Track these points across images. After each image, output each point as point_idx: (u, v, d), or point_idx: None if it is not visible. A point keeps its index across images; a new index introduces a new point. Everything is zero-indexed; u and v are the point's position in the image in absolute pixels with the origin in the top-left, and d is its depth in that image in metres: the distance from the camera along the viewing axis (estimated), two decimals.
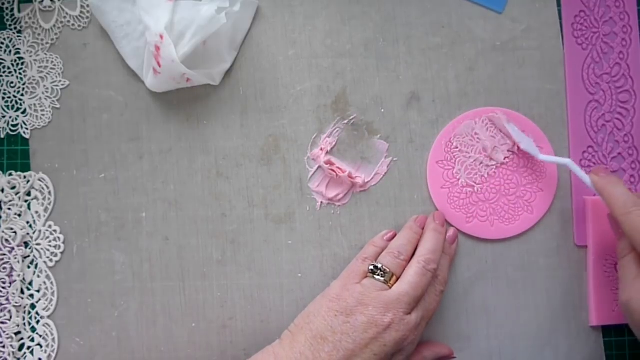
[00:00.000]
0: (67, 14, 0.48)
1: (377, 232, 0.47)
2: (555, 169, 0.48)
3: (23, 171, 0.48)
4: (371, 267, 0.43)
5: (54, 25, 0.48)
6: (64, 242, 0.48)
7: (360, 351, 0.39)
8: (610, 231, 0.45)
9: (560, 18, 0.48)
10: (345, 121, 0.48)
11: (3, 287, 0.47)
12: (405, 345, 0.40)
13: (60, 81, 0.48)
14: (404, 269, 0.43)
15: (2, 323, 0.47)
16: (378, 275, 0.42)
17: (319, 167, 0.48)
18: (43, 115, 0.48)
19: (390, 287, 0.41)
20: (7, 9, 0.48)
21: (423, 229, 0.46)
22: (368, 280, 0.42)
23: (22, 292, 0.47)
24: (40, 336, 0.47)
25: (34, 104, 0.48)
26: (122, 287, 0.48)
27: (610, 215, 0.44)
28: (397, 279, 0.42)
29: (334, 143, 0.48)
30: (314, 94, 0.48)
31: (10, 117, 0.48)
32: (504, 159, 0.47)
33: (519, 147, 0.47)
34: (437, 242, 0.44)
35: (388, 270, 0.42)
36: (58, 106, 0.48)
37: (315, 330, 0.40)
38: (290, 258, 0.48)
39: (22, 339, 0.47)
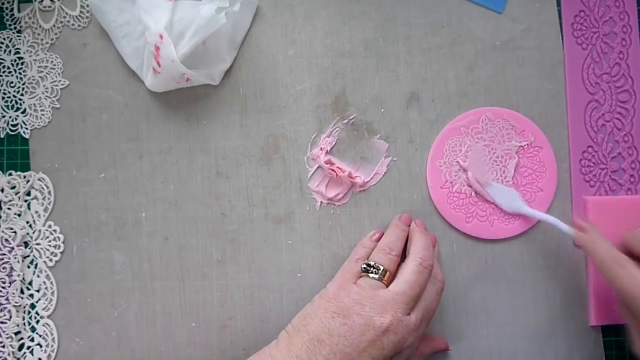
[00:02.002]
0: (67, 14, 0.48)
1: None
2: (555, 169, 0.48)
3: (23, 171, 0.48)
4: (364, 266, 0.42)
5: (54, 25, 0.48)
6: (64, 242, 0.48)
7: (358, 355, 0.39)
8: (609, 231, 0.44)
9: (560, 18, 0.48)
10: (345, 121, 0.48)
11: (3, 287, 0.47)
12: (404, 347, 0.40)
13: (60, 81, 0.48)
14: (397, 265, 0.43)
15: (2, 323, 0.47)
16: (372, 273, 0.42)
17: (319, 167, 0.48)
18: (43, 115, 0.48)
19: (387, 285, 0.41)
20: (7, 9, 0.48)
21: (408, 226, 0.46)
22: (364, 280, 0.42)
23: (22, 292, 0.47)
24: (40, 336, 0.47)
25: (34, 104, 0.48)
26: (122, 287, 0.48)
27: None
28: (392, 276, 0.42)
29: (334, 143, 0.48)
30: (314, 94, 0.48)
31: (10, 117, 0.48)
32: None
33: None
34: (427, 241, 0.44)
35: (381, 267, 0.42)
36: (58, 106, 0.48)
37: (313, 333, 0.40)
38: (290, 258, 0.48)
39: (22, 339, 0.47)
